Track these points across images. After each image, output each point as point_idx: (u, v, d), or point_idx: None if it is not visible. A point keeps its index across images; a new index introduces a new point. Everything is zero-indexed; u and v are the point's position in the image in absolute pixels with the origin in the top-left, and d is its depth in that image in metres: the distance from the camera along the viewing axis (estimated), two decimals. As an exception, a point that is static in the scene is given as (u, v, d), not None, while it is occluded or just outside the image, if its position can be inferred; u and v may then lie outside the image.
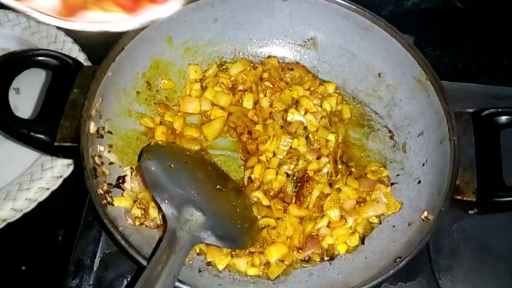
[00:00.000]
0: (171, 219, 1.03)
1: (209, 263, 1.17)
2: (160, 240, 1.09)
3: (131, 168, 1.22)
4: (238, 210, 1.18)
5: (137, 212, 1.16)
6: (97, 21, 0.96)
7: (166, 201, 1.05)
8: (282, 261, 1.17)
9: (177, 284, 0.97)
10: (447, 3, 1.83)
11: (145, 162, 1.11)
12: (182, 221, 1.04)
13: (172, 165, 1.15)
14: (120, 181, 1.20)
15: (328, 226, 1.21)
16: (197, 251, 1.18)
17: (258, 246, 1.19)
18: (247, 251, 1.18)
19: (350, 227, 1.22)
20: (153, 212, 1.18)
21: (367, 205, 1.23)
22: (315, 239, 1.20)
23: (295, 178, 1.24)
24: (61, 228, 1.33)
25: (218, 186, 1.19)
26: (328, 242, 1.20)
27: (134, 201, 1.18)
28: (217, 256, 1.16)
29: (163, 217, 1.07)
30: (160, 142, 1.27)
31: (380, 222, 1.23)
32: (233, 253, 1.18)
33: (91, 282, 1.19)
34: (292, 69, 1.42)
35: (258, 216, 1.21)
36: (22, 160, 1.35)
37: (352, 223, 1.22)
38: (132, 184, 1.20)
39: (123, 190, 1.19)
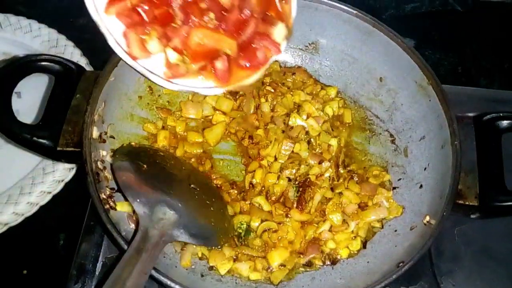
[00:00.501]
0: (143, 218, 1.04)
1: (211, 268, 1.17)
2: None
3: None
4: (212, 209, 1.19)
5: None
6: (191, 86, 1.05)
7: (138, 200, 1.06)
8: (284, 265, 1.17)
9: (179, 289, 0.98)
10: (447, 7, 1.83)
11: (117, 162, 1.13)
12: (154, 220, 1.04)
13: (145, 165, 1.15)
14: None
15: (330, 230, 1.21)
16: (199, 255, 1.18)
17: (260, 251, 1.19)
18: (249, 255, 1.18)
19: (352, 232, 1.22)
20: None
21: (369, 210, 1.23)
22: (316, 244, 1.20)
23: (297, 182, 1.25)
24: (63, 232, 1.33)
25: (192, 185, 1.20)
26: (330, 247, 1.20)
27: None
28: (219, 260, 1.16)
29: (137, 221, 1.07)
30: (134, 144, 1.27)
31: (382, 227, 1.23)
32: (235, 257, 1.18)
33: (93, 287, 1.19)
34: (294, 74, 1.43)
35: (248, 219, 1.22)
36: (23, 164, 1.36)
37: (354, 228, 1.22)
38: None
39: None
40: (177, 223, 1.06)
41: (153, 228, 1.02)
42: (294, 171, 1.25)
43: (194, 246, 1.17)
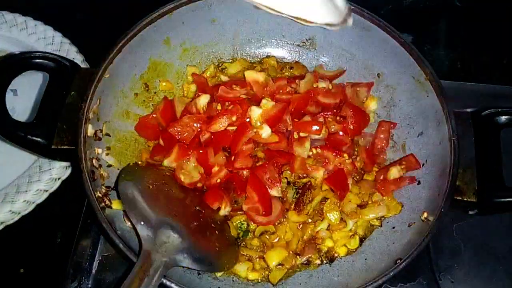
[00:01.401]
0: (146, 241, 1.01)
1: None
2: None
3: None
4: (217, 232, 1.15)
5: None
6: None
7: (142, 222, 1.03)
8: (282, 265, 1.17)
9: (177, 287, 0.97)
10: (446, 2, 1.82)
11: (123, 183, 1.10)
12: (157, 244, 1.01)
13: (151, 186, 1.13)
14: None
15: (327, 229, 1.21)
16: None
17: (258, 251, 1.18)
18: (248, 256, 1.18)
19: (350, 230, 1.21)
20: None
21: (368, 208, 1.23)
22: (313, 244, 1.20)
23: (296, 184, 1.24)
24: (60, 230, 1.33)
25: (197, 208, 1.17)
26: (328, 245, 1.20)
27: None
28: None
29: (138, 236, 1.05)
30: (140, 163, 1.25)
31: (381, 224, 1.22)
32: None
33: (89, 285, 1.19)
34: (292, 68, 1.42)
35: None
36: (20, 162, 1.35)
37: (352, 226, 1.21)
38: None
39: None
40: (181, 247, 1.03)
41: (156, 252, 0.99)
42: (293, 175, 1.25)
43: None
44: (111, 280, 1.20)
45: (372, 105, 1.36)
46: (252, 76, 1.31)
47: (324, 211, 1.20)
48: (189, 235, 1.07)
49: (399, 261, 1.03)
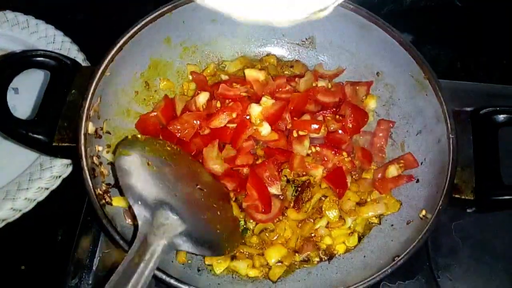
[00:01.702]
0: (144, 222, 0.94)
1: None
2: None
3: None
4: (219, 213, 1.10)
5: None
6: None
7: (139, 202, 0.96)
8: (281, 262, 1.18)
9: (175, 283, 0.97)
10: (446, 2, 1.82)
11: (120, 158, 1.00)
12: (155, 225, 0.95)
13: (149, 163, 1.04)
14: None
15: (326, 226, 1.21)
16: None
17: (258, 248, 1.19)
18: (247, 253, 1.18)
19: (349, 228, 1.22)
20: None
21: (367, 206, 1.23)
22: (312, 241, 1.20)
23: (295, 182, 1.25)
24: (61, 228, 1.33)
25: (198, 186, 1.10)
26: (327, 243, 1.20)
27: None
28: (215, 259, 1.16)
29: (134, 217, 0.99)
30: (139, 136, 1.16)
31: (380, 222, 1.23)
32: (232, 256, 1.17)
33: (90, 282, 1.20)
34: (292, 67, 1.42)
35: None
36: (21, 160, 1.36)
37: (351, 224, 1.22)
38: None
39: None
40: (180, 230, 0.97)
41: (153, 235, 0.93)
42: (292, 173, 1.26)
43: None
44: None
45: (371, 104, 1.37)
46: (252, 74, 1.32)
47: (323, 209, 1.21)
48: (189, 216, 1.00)
49: (397, 258, 1.04)
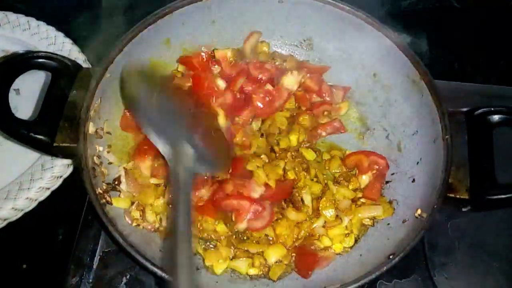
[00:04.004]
0: (171, 158, 1.05)
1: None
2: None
3: (125, 168, 1.24)
4: (213, 133, 1.22)
5: (135, 214, 1.18)
6: None
7: (162, 139, 1.06)
8: (280, 261, 1.19)
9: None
10: (444, 3, 1.84)
11: (134, 89, 1.11)
12: (178, 158, 1.05)
13: (156, 98, 1.12)
14: (116, 182, 1.21)
15: (323, 226, 1.22)
16: (194, 252, 1.19)
17: (257, 247, 1.20)
18: (247, 251, 1.19)
19: (346, 227, 1.23)
20: (151, 216, 1.20)
21: (364, 207, 1.24)
22: (310, 241, 1.21)
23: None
24: (61, 227, 1.34)
25: (200, 118, 1.22)
26: (325, 244, 1.20)
27: (132, 203, 1.20)
28: (215, 260, 1.17)
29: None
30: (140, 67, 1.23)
31: (373, 224, 1.24)
32: (231, 256, 1.19)
33: (90, 280, 1.21)
34: (285, 61, 1.44)
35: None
36: (22, 160, 1.37)
37: (347, 223, 1.23)
38: (127, 184, 1.21)
39: (120, 192, 1.21)
40: (195, 157, 1.07)
41: (181, 168, 1.03)
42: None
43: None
44: (111, 275, 1.22)
45: (343, 110, 1.40)
46: (221, 53, 1.38)
47: (320, 209, 1.22)
48: (199, 144, 1.11)
49: (392, 256, 1.05)
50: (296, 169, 1.25)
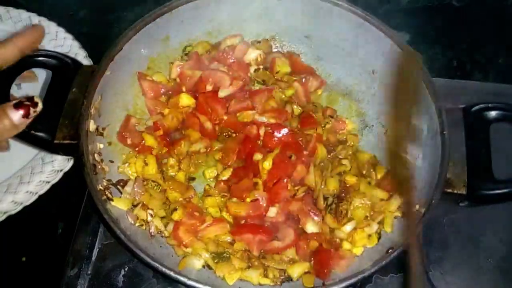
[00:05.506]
0: None
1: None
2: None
3: (138, 177, 1.24)
4: None
5: (141, 214, 1.18)
6: None
7: None
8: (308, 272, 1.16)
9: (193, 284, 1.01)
10: (443, 1, 1.84)
11: None
12: None
13: None
14: (121, 183, 1.22)
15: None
16: (204, 264, 1.17)
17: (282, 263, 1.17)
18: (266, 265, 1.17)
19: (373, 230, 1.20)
20: (157, 220, 1.20)
21: (392, 200, 1.22)
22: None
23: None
24: (61, 221, 1.36)
25: None
26: (346, 248, 1.18)
27: (134, 205, 1.20)
28: (227, 271, 1.14)
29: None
30: None
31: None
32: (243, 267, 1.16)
33: (89, 272, 1.22)
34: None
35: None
36: (23, 154, 1.38)
37: (376, 228, 1.20)
38: (134, 189, 1.21)
39: (121, 193, 1.21)
40: None
41: None
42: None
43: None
44: (110, 268, 1.23)
45: (316, 96, 1.42)
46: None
47: (350, 215, 1.21)
48: None
49: (391, 250, 1.06)
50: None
